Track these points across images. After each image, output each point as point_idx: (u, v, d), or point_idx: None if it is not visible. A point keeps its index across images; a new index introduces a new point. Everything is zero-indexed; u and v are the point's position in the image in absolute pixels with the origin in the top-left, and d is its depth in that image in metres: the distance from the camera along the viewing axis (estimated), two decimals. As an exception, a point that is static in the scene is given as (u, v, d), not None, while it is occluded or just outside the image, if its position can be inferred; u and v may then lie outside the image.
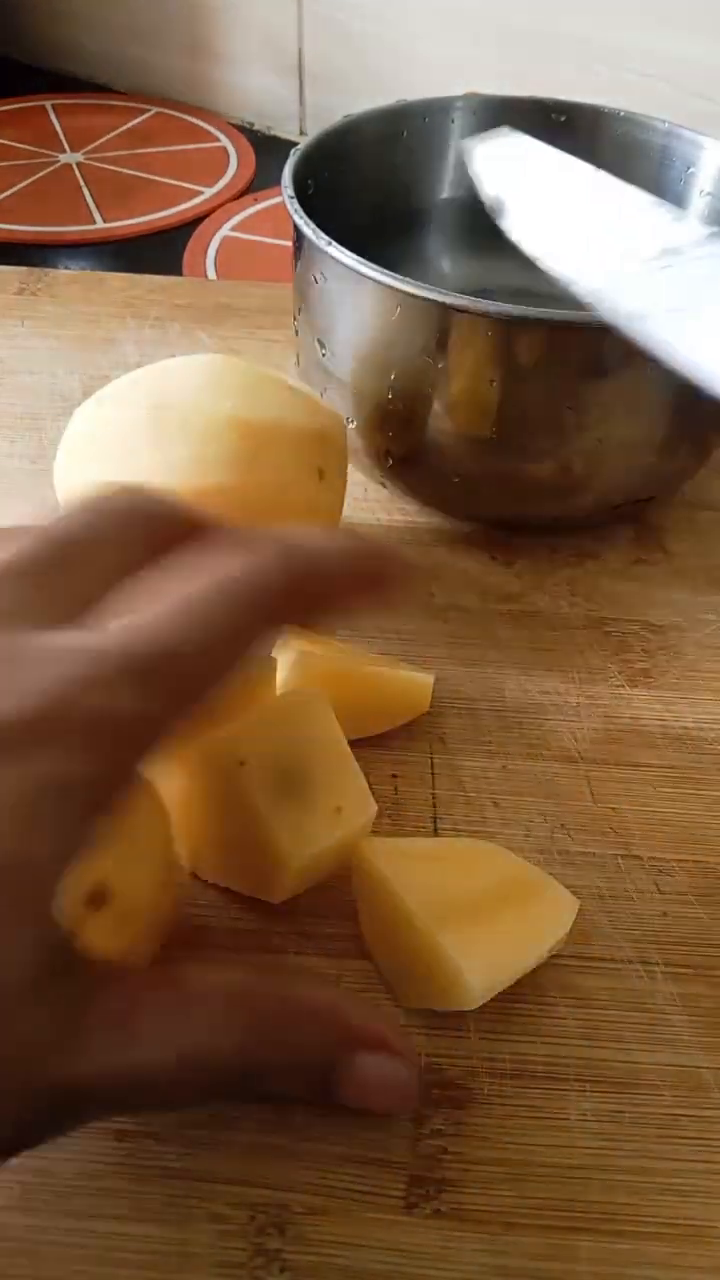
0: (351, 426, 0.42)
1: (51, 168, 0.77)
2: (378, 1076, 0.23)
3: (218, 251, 0.67)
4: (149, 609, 0.21)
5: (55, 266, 0.63)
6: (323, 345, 0.42)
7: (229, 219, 0.71)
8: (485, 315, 0.36)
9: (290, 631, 0.30)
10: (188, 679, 0.21)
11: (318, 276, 0.40)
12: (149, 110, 0.87)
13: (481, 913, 0.28)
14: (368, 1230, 0.25)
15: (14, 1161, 0.21)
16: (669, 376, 0.38)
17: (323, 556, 0.24)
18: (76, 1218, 0.25)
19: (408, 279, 0.36)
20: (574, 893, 0.31)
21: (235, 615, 0.22)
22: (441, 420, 0.40)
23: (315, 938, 0.30)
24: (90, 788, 0.20)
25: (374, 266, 0.37)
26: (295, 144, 0.44)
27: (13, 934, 0.19)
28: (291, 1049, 0.22)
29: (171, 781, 0.29)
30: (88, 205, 0.72)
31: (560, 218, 0.34)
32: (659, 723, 0.37)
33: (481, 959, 0.26)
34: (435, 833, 0.33)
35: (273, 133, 0.85)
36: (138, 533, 0.24)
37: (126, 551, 0.23)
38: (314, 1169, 0.26)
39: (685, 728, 0.37)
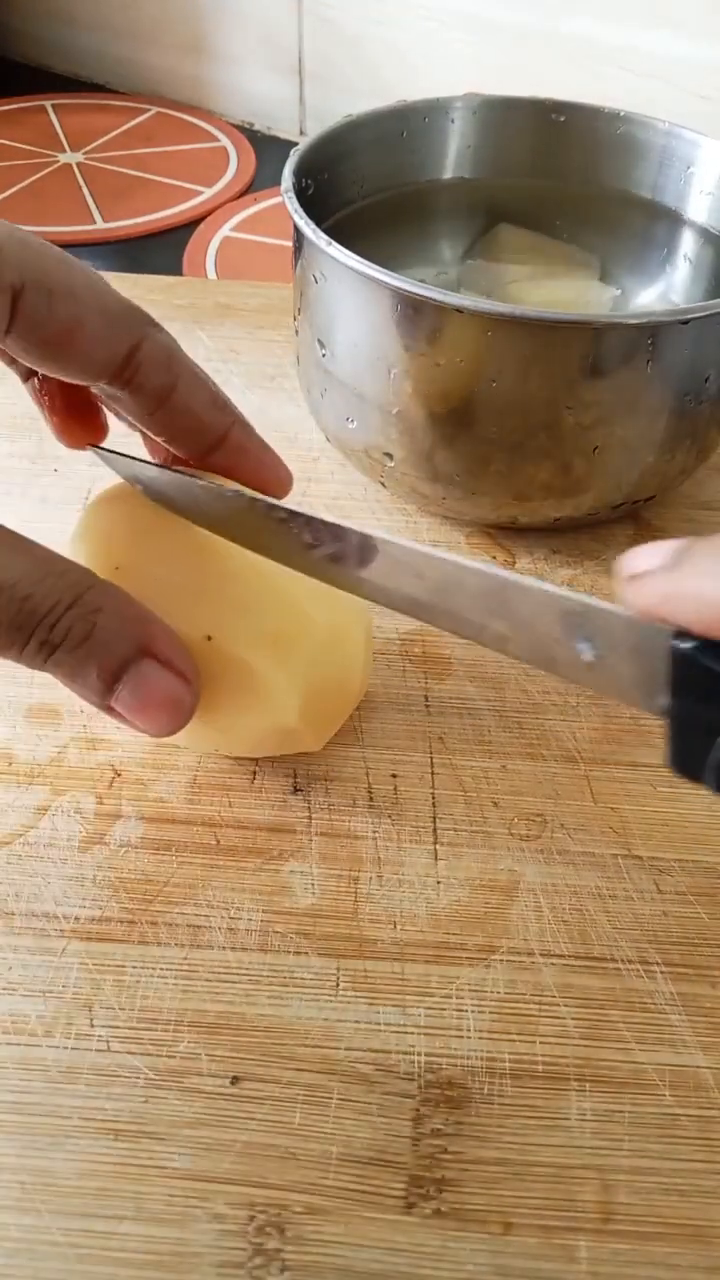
0: (352, 426, 0.42)
1: (51, 168, 0.77)
2: (161, 689, 0.27)
3: (218, 251, 0.67)
4: None
5: (55, 266, 0.63)
6: (323, 345, 0.42)
7: (229, 219, 0.71)
8: (485, 315, 0.36)
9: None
10: None
11: (317, 276, 0.40)
12: (149, 110, 0.87)
13: None
14: (367, 1230, 0.25)
15: None
16: (669, 376, 0.38)
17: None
18: (76, 1218, 0.25)
19: (407, 278, 0.36)
20: (573, 893, 0.32)
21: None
22: (441, 420, 0.40)
23: (315, 936, 0.30)
24: None
25: (374, 266, 0.37)
26: (295, 144, 0.44)
27: None
28: (100, 628, 0.26)
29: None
30: (88, 205, 0.72)
31: None
32: (658, 722, 0.37)
33: None
34: (435, 832, 0.33)
35: (272, 133, 0.86)
36: None
37: None
38: (314, 1168, 0.26)
39: (685, 727, 0.37)
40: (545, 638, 0.23)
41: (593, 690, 0.24)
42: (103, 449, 0.33)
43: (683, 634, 0.20)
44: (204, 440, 0.31)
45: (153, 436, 0.32)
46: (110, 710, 0.27)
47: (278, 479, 0.33)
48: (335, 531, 0.26)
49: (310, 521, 0.27)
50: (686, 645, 0.20)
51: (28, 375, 0.34)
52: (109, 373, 0.29)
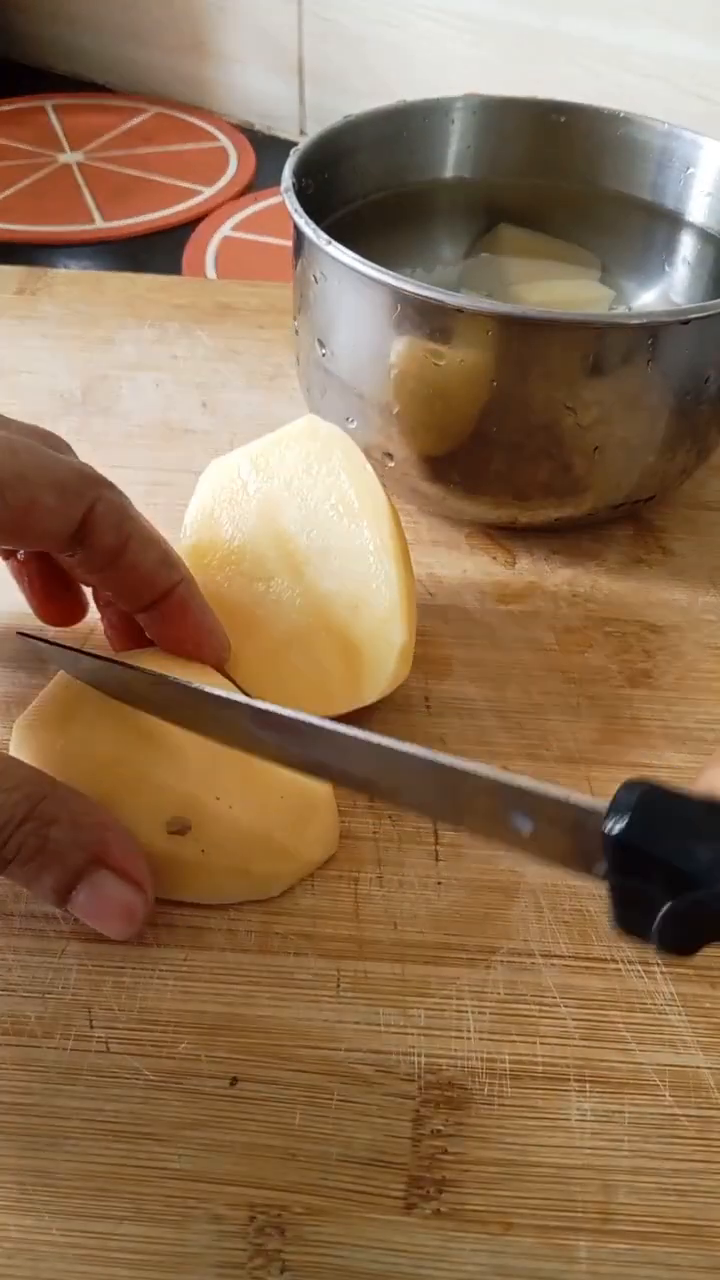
0: (352, 426, 0.42)
1: (51, 168, 0.77)
2: (115, 896, 0.27)
3: (217, 251, 0.67)
4: None
5: (55, 266, 0.63)
6: (322, 345, 0.42)
7: (228, 219, 0.71)
8: (486, 314, 0.36)
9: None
10: None
11: (317, 276, 0.40)
12: (149, 110, 0.87)
13: None
14: (367, 1230, 0.25)
15: None
16: (669, 376, 0.38)
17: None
18: (76, 1218, 0.25)
19: (407, 278, 0.36)
20: (573, 893, 0.31)
21: None
22: (442, 420, 0.40)
23: (315, 938, 0.30)
24: None
25: (374, 265, 0.37)
26: (295, 144, 0.44)
27: None
28: (53, 840, 0.27)
29: None
30: (88, 205, 0.72)
31: None
32: (659, 723, 0.37)
33: None
34: (435, 833, 0.33)
35: (273, 133, 0.85)
36: None
37: None
38: (314, 1169, 0.26)
39: (685, 728, 0.37)
40: (488, 815, 0.23)
41: (537, 860, 0.24)
42: (40, 639, 0.34)
43: (613, 815, 0.21)
44: (147, 596, 0.32)
45: (101, 589, 0.33)
46: (68, 911, 0.28)
47: (214, 642, 0.33)
48: (278, 721, 0.27)
49: (252, 710, 0.27)
50: (618, 829, 0.20)
51: (6, 554, 0.35)
52: (65, 540, 0.30)
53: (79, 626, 0.38)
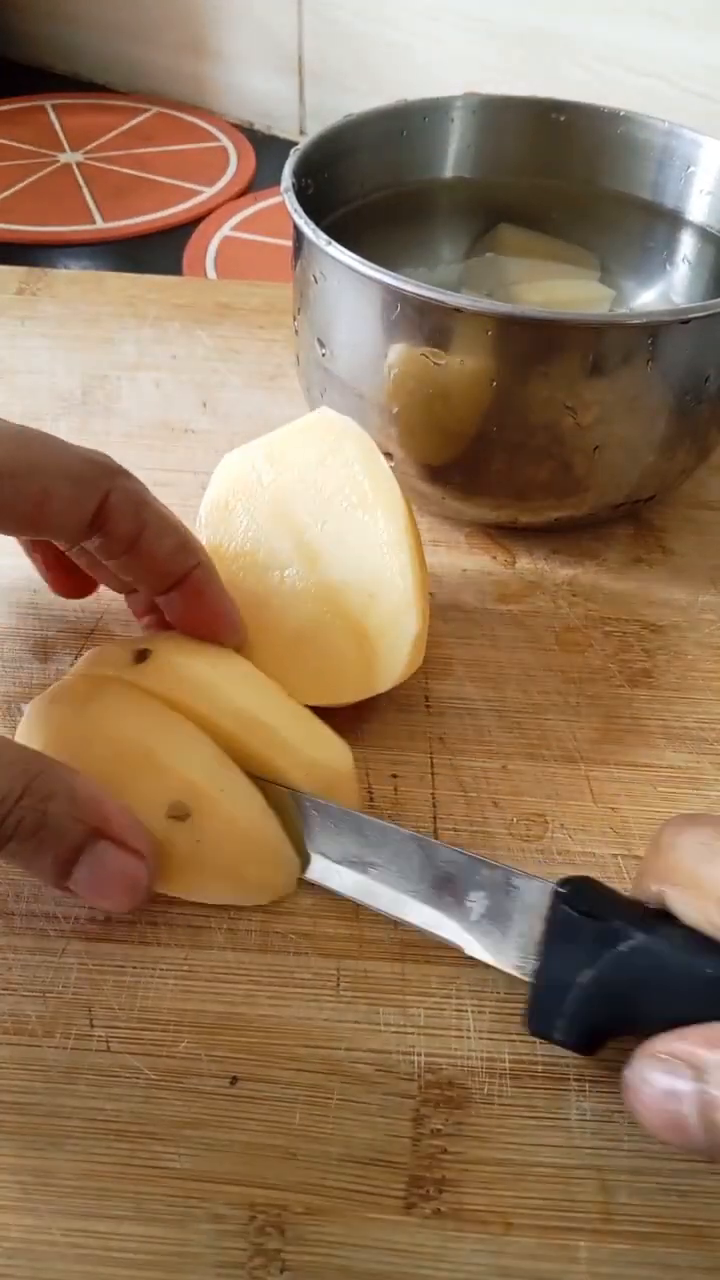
0: (351, 426, 0.42)
1: (51, 168, 0.77)
2: (116, 867, 0.27)
3: (217, 251, 0.67)
4: None
5: (55, 266, 0.63)
6: (322, 344, 0.42)
7: (229, 219, 0.71)
8: (485, 314, 0.36)
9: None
10: None
11: (317, 276, 0.40)
12: (149, 110, 0.87)
13: None
14: (367, 1230, 0.25)
15: None
16: (669, 376, 0.38)
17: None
18: (76, 1218, 0.25)
19: (407, 278, 0.36)
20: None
21: None
22: (442, 420, 0.40)
23: (315, 937, 0.30)
24: None
25: (374, 266, 0.37)
26: (295, 144, 0.44)
27: None
28: (51, 815, 0.26)
29: None
30: (88, 205, 0.72)
31: None
32: (659, 723, 0.37)
33: None
34: (435, 833, 0.33)
35: (273, 132, 0.85)
36: None
37: None
38: (314, 1169, 0.26)
39: (685, 728, 0.37)
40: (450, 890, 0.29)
41: (471, 950, 0.29)
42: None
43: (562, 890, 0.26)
44: (165, 580, 0.32)
45: (119, 573, 0.33)
46: (67, 891, 0.28)
47: (229, 626, 0.34)
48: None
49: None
50: (565, 890, 0.26)
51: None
52: (81, 529, 0.30)
53: (86, 616, 0.38)
